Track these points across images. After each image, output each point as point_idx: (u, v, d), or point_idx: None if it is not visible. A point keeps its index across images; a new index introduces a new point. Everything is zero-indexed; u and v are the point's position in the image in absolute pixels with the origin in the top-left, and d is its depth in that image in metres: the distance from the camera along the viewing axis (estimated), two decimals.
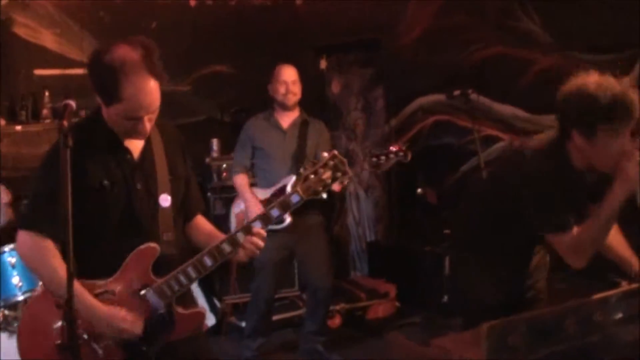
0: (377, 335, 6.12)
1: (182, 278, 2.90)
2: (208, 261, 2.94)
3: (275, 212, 2.98)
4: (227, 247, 2.94)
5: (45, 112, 6.46)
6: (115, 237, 2.87)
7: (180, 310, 2.96)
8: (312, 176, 2.96)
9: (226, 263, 6.07)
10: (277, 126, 5.66)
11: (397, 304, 6.83)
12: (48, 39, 6.76)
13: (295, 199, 2.96)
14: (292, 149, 5.54)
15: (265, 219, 2.98)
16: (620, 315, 2.51)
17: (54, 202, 2.69)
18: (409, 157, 4.71)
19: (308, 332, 5.75)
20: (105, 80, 2.73)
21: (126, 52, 2.73)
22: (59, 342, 2.72)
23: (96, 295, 2.85)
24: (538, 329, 2.29)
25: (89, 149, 2.85)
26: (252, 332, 5.71)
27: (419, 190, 4.83)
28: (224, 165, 6.68)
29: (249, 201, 5.47)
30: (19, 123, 6.40)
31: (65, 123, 2.51)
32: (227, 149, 7.08)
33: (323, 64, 7.72)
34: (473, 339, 2.20)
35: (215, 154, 6.95)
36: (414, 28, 7.03)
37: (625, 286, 3.08)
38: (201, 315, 3.05)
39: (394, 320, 6.56)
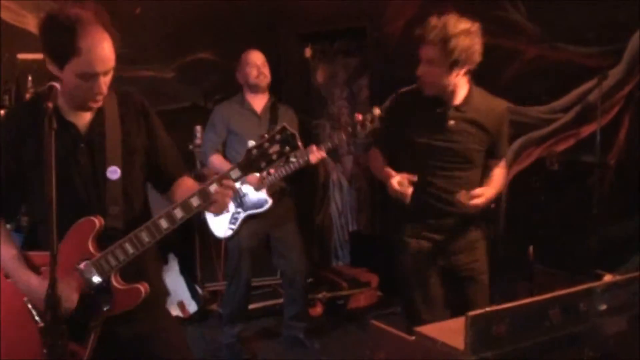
0: (359, 324, 6.13)
1: (119, 252, 2.88)
2: (145, 236, 2.89)
3: (212, 188, 2.87)
4: (164, 223, 2.88)
5: (28, 96, 6.40)
6: (59, 212, 2.68)
7: (117, 285, 2.93)
8: (255, 151, 2.86)
9: (209, 250, 6.12)
10: (252, 110, 5.70)
11: (379, 293, 6.84)
12: (32, 23, 6.68)
13: (234, 174, 2.88)
14: (265, 132, 5.52)
15: (203, 194, 2.88)
16: (604, 306, 2.50)
17: None
18: (377, 111, 4.64)
19: (289, 318, 5.76)
20: (61, 36, 2.74)
21: (80, 10, 2.78)
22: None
23: (39, 267, 2.89)
24: (522, 319, 2.28)
25: (31, 129, 2.87)
26: (230, 318, 5.71)
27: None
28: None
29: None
30: (2, 107, 6.34)
31: (50, 105, 2.54)
32: None
33: (308, 52, 7.70)
34: (458, 327, 2.19)
35: (198, 141, 6.90)
36: (400, 17, 6.99)
37: (608, 278, 3.09)
38: (138, 291, 2.95)
39: (376, 310, 6.59)
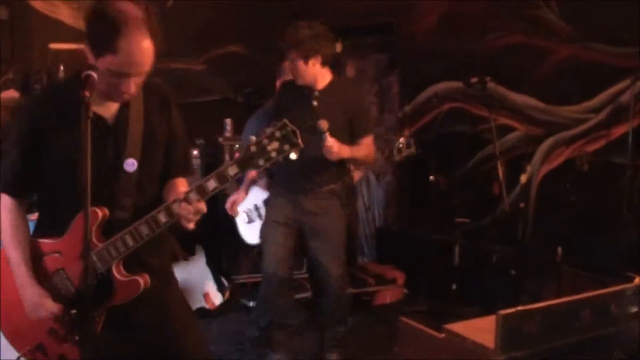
0: (384, 321, 6.12)
1: (119, 244, 2.89)
2: (144, 229, 2.89)
3: (212, 184, 2.81)
4: (162, 217, 2.87)
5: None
6: (72, 200, 2.83)
7: (118, 276, 2.94)
8: (253, 147, 2.77)
9: (236, 242, 6.13)
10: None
11: (405, 290, 6.82)
12: (64, 13, 6.75)
13: (231, 171, 2.80)
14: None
15: (201, 190, 2.82)
16: (635, 309, 2.49)
17: (13, 162, 2.95)
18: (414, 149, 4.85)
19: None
20: (105, 29, 2.70)
21: (130, 8, 2.73)
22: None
23: (45, 254, 2.98)
24: (553, 319, 2.27)
25: (54, 116, 2.90)
26: (260, 311, 5.67)
27: (431, 177, 4.81)
28: (237, 146, 6.66)
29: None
30: None
31: (87, 93, 2.55)
32: (241, 129, 7.06)
33: (338, 47, 7.68)
34: (487, 326, 2.18)
35: (228, 134, 6.95)
36: (431, 13, 6.98)
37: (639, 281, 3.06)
38: (137, 283, 2.96)
39: (401, 307, 6.55)
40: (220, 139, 6.84)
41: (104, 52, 2.72)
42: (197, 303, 6.26)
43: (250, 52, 7.52)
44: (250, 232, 5.74)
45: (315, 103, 4.86)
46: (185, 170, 3.28)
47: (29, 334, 2.97)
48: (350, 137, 4.86)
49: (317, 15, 7.54)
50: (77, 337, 2.87)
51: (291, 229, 5.10)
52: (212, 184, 2.80)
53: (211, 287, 6.40)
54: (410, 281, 6.79)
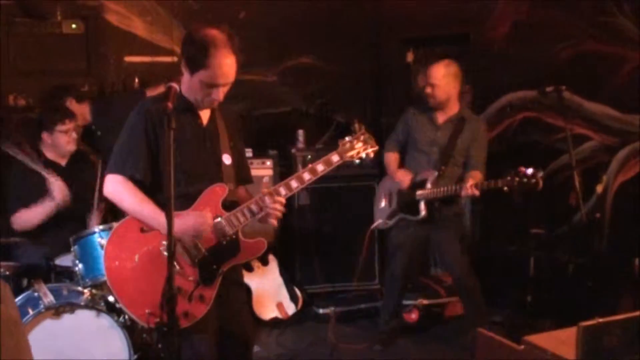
0: (456, 332, 6.07)
1: (246, 212, 3.56)
2: (254, 207, 3.57)
3: (320, 167, 3.68)
4: (294, 183, 3.65)
5: None
6: (186, 178, 3.52)
7: (244, 238, 3.60)
8: (348, 144, 3.78)
9: (309, 252, 6.17)
10: (432, 120, 5.78)
11: None
12: (139, 27, 6.88)
13: (335, 158, 3.73)
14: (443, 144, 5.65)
15: (312, 171, 3.67)
16: None
17: (131, 150, 3.50)
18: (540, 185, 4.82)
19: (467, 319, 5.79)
20: (197, 50, 3.40)
21: (216, 32, 3.43)
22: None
23: None
24: (634, 332, 2.23)
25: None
26: (383, 310, 6.02)
27: (505, 188, 4.78)
28: (309, 157, 6.73)
29: (395, 174, 5.78)
30: None
31: (170, 105, 3.00)
32: (312, 139, 7.12)
33: (410, 57, 7.67)
34: (567, 338, 2.16)
35: (300, 145, 6.99)
36: (504, 22, 6.92)
37: None
38: (262, 244, 3.66)
39: None
40: (293, 150, 6.90)
41: (197, 69, 3.43)
42: (270, 313, 6.31)
43: (321, 64, 7.55)
44: (380, 214, 5.87)
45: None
46: (249, 179, 3.96)
47: (148, 298, 3.33)
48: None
49: (389, 26, 7.59)
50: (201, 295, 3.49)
51: None
52: (320, 167, 3.68)
53: (284, 297, 6.44)
54: (484, 292, 6.72)
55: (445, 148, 5.54)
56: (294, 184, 3.64)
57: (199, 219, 3.45)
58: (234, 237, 3.56)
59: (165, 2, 6.94)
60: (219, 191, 3.57)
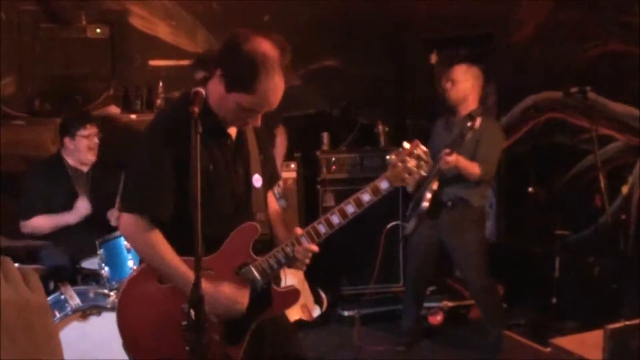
0: (480, 334, 6.05)
1: (280, 256, 3.02)
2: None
3: (366, 197, 3.04)
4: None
5: (159, 102, 6.60)
6: (215, 217, 2.92)
7: (276, 287, 3.09)
8: (400, 164, 3.06)
9: (333, 254, 6.18)
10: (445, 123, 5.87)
11: (503, 304, 6.73)
12: (163, 30, 6.91)
13: (384, 185, 3.05)
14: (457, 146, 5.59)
15: (358, 202, 3.05)
16: None
17: (153, 183, 2.90)
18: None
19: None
20: (243, 69, 2.77)
21: (269, 48, 2.79)
22: (184, 323, 2.59)
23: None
24: None
25: (183, 132, 2.80)
26: (404, 316, 6.07)
27: (530, 189, 4.75)
28: (333, 159, 6.74)
29: None
30: (134, 112, 6.56)
31: (197, 109, 2.57)
32: (336, 142, 7.13)
33: (433, 58, 7.66)
34: (593, 340, 2.15)
35: (325, 147, 7.00)
36: (528, 23, 6.89)
37: None
38: (297, 293, 3.16)
39: None
40: (317, 153, 6.91)
41: (238, 90, 2.82)
42: (294, 315, 6.32)
43: (344, 66, 7.56)
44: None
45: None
46: (277, 177, 3.54)
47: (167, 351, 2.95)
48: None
49: (412, 28, 7.59)
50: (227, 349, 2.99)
51: None
52: (366, 197, 3.03)
53: (309, 299, 6.45)
54: (509, 294, 6.70)
55: (451, 144, 5.51)
56: (335, 219, 3.05)
57: (234, 305, 2.97)
58: (265, 286, 3.05)
59: (188, 7, 6.97)
60: (249, 232, 3.03)
